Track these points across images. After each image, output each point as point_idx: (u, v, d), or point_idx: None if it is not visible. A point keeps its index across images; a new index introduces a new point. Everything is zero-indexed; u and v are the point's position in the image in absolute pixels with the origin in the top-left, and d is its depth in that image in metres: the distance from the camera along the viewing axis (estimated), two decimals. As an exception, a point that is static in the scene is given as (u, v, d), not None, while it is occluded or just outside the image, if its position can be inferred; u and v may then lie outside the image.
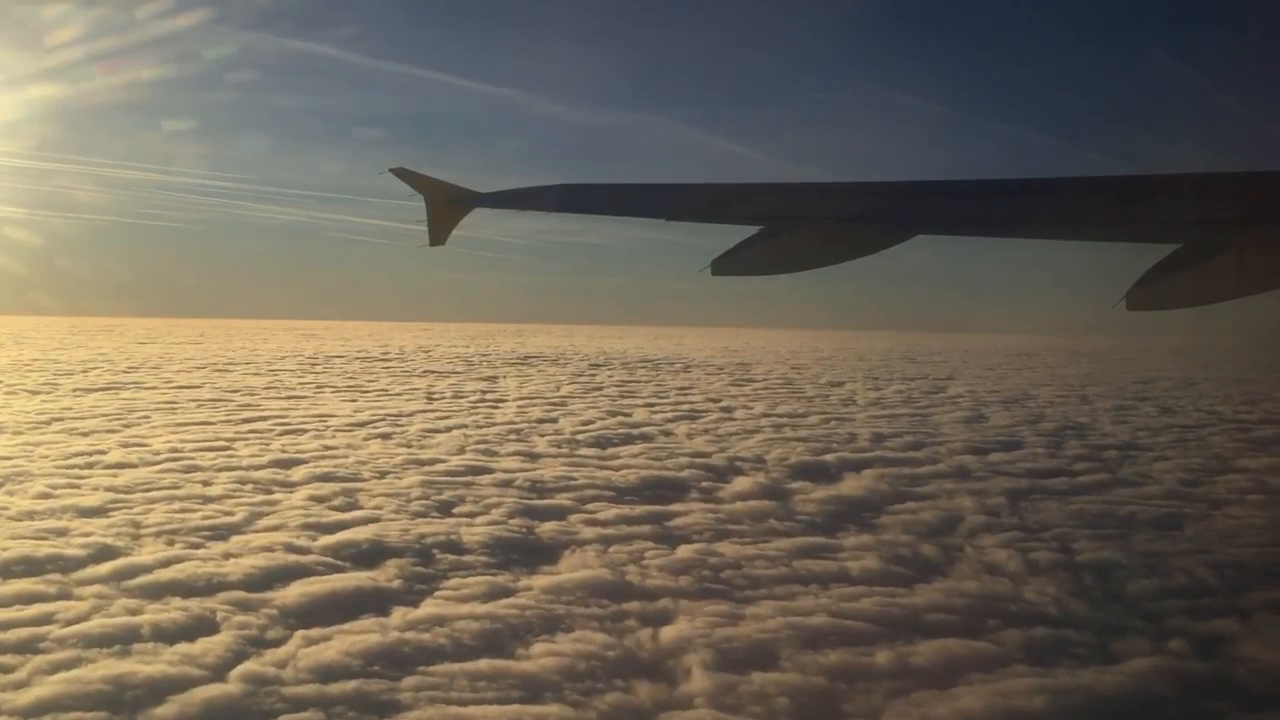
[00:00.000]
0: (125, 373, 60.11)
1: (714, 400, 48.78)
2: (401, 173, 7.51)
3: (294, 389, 51.44)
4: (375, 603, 14.38)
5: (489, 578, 15.88)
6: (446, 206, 7.49)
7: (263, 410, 39.72)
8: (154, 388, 49.68)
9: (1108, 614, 15.21)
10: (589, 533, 19.19)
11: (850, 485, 25.18)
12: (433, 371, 68.02)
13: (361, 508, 20.71)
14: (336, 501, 21.18)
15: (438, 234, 7.56)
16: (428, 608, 14.21)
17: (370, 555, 16.92)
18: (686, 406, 45.14)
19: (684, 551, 17.93)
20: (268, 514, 19.80)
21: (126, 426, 33.55)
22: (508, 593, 15.11)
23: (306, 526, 18.76)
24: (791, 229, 6.00)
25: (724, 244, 6.11)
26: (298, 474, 24.35)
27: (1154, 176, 5.16)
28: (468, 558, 17.09)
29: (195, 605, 13.95)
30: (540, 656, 12.55)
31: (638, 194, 7.11)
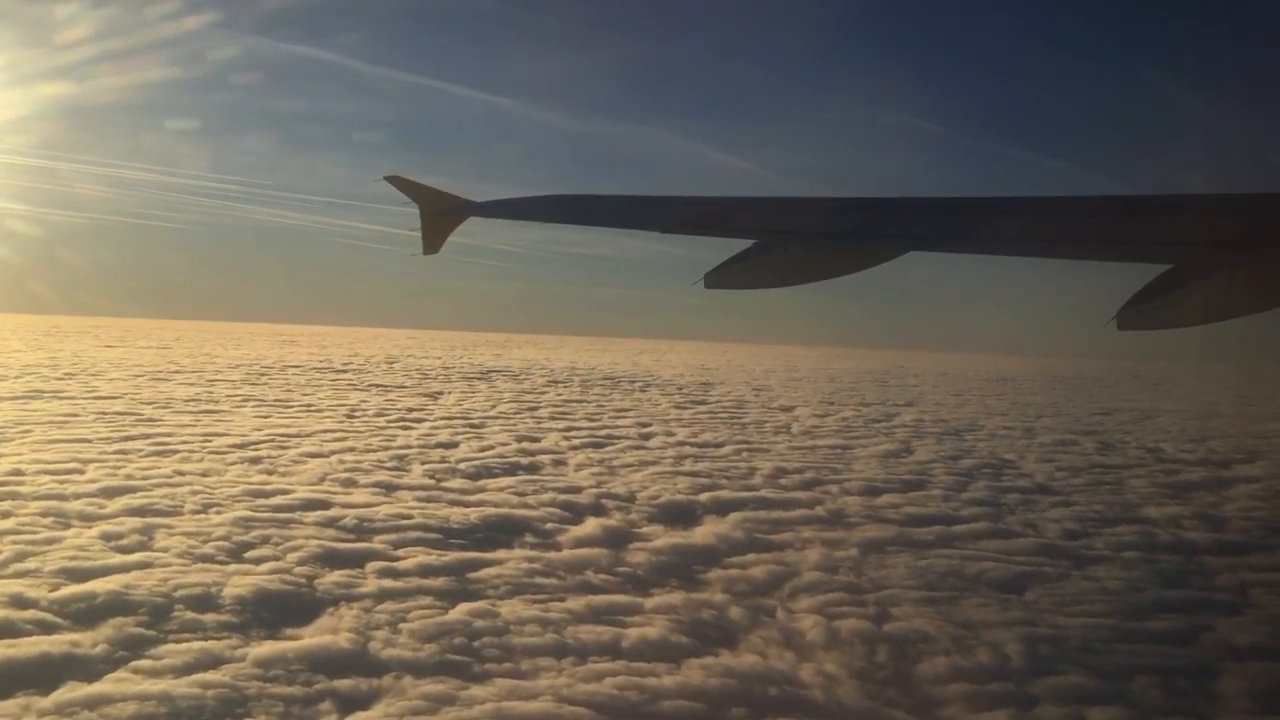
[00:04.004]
0: (58, 379, 58.96)
1: (643, 425, 47.40)
2: (396, 180, 7.32)
3: (217, 402, 50.19)
4: (49, 675, 12.98)
5: (210, 643, 14.51)
6: (440, 215, 7.29)
7: (157, 426, 38.46)
8: (70, 398, 48.42)
9: (876, 700, 13.82)
10: (372, 586, 17.82)
11: (704, 531, 23.77)
12: (379, 385, 66.72)
13: (147, 549, 19.38)
14: (126, 540, 19.85)
15: (432, 242, 7.38)
16: (102, 684, 12.82)
17: (99, 611, 15.53)
18: (607, 432, 43.76)
19: (457, 613, 16.52)
20: (37, 555, 18.47)
21: (-5, 444, 32.30)
22: (215, 664, 13.73)
23: (62, 572, 17.41)
24: (785, 243, 5.96)
25: (727, 257, 6.05)
26: (116, 505, 23.00)
27: (1147, 197, 5.22)
28: (209, 616, 15.71)
29: None
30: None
31: (631, 205, 7.10)
